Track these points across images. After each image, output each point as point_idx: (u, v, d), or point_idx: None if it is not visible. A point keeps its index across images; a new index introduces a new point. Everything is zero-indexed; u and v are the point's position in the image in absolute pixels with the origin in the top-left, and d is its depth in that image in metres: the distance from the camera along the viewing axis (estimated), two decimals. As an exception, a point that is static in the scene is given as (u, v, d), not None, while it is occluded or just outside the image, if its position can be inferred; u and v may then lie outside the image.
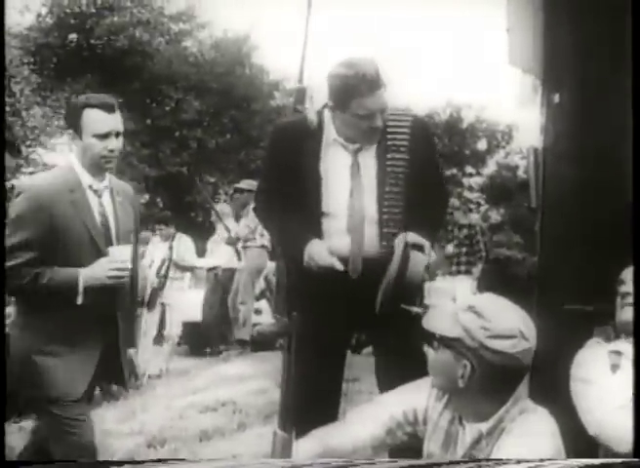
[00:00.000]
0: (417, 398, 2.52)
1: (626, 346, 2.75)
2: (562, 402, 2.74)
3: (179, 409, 3.10)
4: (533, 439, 2.28)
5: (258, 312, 8.74)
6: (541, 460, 2.27)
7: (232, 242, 8.25)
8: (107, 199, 3.19)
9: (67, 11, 14.32)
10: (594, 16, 3.16)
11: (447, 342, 2.35)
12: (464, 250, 8.42)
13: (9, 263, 3.00)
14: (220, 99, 15.52)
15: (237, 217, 8.49)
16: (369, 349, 6.20)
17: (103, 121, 3.06)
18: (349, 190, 3.07)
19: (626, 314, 2.80)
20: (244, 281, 8.34)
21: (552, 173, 3.30)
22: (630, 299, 2.79)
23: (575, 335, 2.95)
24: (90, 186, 3.13)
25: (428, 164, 3.15)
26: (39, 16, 14.62)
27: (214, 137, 14.70)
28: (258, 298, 8.75)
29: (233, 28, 16.58)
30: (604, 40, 3.15)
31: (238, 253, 8.31)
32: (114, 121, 3.09)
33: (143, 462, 2.84)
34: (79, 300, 3.02)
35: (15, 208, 3.06)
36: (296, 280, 3.22)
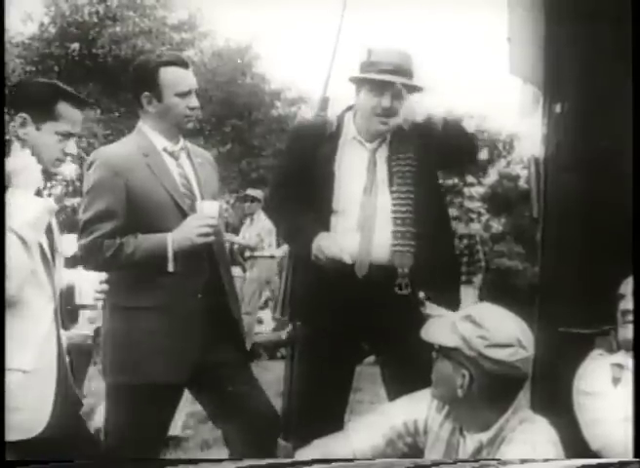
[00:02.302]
0: (417, 409, 2.52)
1: (628, 359, 2.75)
2: (563, 412, 2.74)
3: (179, 419, 3.07)
4: (533, 448, 2.28)
5: (259, 322, 8.72)
6: (545, 460, 2.28)
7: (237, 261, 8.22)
8: (185, 161, 3.00)
9: (70, 20, 14.34)
10: (595, 26, 3.16)
11: (446, 352, 2.36)
12: (465, 260, 8.39)
13: (89, 237, 2.81)
14: (221, 108, 15.52)
15: (240, 225, 8.47)
16: (370, 359, 6.18)
17: (184, 78, 2.91)
18: (363, 187, 3.08)
19: (628, 331, 2.79)
20: (251, 291, 8.26)
21: (554, 183, 3.30)
22: (631, 317, 2.79)
23: (576, 346, 2.95)
24: (164, 149, 2.94)
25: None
26: (42, 25, 14.63)
27: (215, 146, 14.70)
28: (262, 307, 8.73)
29: (235, 38, 16.62)
30: (605, 50, 3.15)
31: (242, 264, 8.26)
32: (191, 77, 2.94)
33: (146, 461, 2.82)
34: (170, 267, 2.80)
35: (89, 179, 2.86)
36: (301, 286, 3.22)
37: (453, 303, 3.15)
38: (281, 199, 3.29)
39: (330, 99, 3.31)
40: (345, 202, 3.09)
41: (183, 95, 2.90)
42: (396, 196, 3.08)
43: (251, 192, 8.59)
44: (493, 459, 2.32)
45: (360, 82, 3.08)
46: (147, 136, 2.95)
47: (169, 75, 2.90)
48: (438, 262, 3.08)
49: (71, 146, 2.57)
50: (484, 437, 2.36)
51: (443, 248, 3.19)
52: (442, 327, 2.39)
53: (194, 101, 2.94)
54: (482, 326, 2.32)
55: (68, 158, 2.58)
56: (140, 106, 2.96)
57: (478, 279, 8.49)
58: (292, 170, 3.21)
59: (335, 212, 3.10)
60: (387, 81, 2.99)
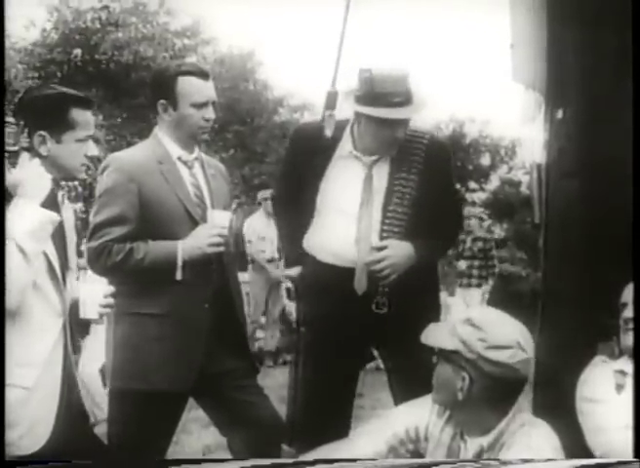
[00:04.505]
0: (418, 415, 2.52)
1: (631, 365, 2.75)
2: (566, 418, 2.74)
3: (182, 424, 3.08)
4: (534, 452, 2.29)
5: (260, 327, 8.68)
6: (547, 460, 2.28)
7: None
8: (199, 171, 3.00)
9: (72, 26, 14.38)
10: (598, 32, 3.16)
11: (446, 355, 2.37)
12: (477, 263, 8.30)
13: (99, 241, 2.81)
14: (224, 115, 15.58)
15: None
16: (372, 365, 6.17)
17: (201, 89, 2.89)
18: (360, 202, 3.07)
19: (630, 338, 2.79)
20: (254, 296, 8.19)
21: (555, 188, 3.30)
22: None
23: (578, 351, 2.95)
24: (179, 158, 2.94)
25: (441, 187, 3.15)
26: (44, 31, 14.68)
27: (218, 152, 14.69)
28: (263, 313, 8.66)
29: (237, 44, 16.68)
30: (607, 56, 3.15)
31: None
32: (210, 89, 2.92)
33: (148, 461, 2.82)
34: (178, 275, 2.82)
35: (102, 183, 2.86)
36: (304, 293, 3.23)
37: (434, 312, 3.17)
38: (280, 202, 3.36)
39: (338, 94, 3.23)
40: (344, 215, 3.08)
41: (199, 105, 2.89)
42: (391, 215, 3.07)
43: (264, 194, 8.43)
44: (494, 459, 2.33)
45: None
46: (163, 143, 2.95)
47: (186, 85, 2.89)
48: (419, 281, 3.09)
49: (92, 148, 2.57)
50: (484, 441, 2.36)
51: (427, 266, 3.19)
52: (442, 330, 2.41)
53: (210, 113, 2.92)
54: (481, 328, 2.33)
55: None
56: (157, 113, 2.96)
57: (488, 284, 8.40)
58: (289, 174, 3.24)
59: (323, 219, 3.13)
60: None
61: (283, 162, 3.38)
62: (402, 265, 3.02)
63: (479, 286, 8.34)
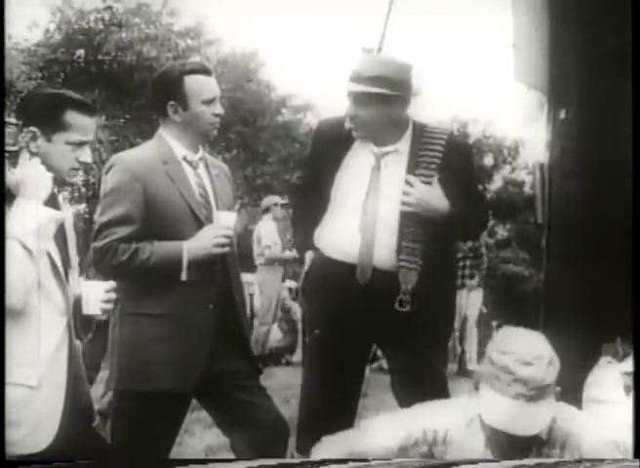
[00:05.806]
0: (441, 418, 2.47)
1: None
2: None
3: (185, 424, 3.08)
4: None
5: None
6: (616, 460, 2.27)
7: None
8: (203, 171, 2.99)
9: (75, 27, 14.37)
10: (599, 33, 3.17)
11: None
12: (468, 263, 8.30)
13: (104, 241, 2.80)
14: (226, 115, 15.58)
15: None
16: (376, 365, 6.18)
17: (207, 85, 2.91)
18: (366, 191, 3.07)
19: None
20: (266, 297, 8.16)
21: (558, 189, 3.30)
22: None
23: (581, 351, 2.95)
24: (184, 158, 2.93)
25: (464, 185, 3.11)
26: (47, 32, 14.66)
27: (220, 153, 14.68)
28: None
29: (240, 45, 16.68)
30: (609, 57, 3.16)
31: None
32: (215, 84, 2.94)
33: (155, 460, 2.82)
34: (183, 276, 2.81)
35: (107, 182, 2.85)
36: (310, 293, 3.23)
37: (448, 317, 3.17)
38: (300, 196, 3.39)
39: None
40: (349, 204, 3.09)
41: (209, 102, 2.91)
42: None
43: (272, 199, 8.39)
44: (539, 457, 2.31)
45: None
46: (168, 143, 2.94)
47: (193, 83, 2.90)
48: (439, 279, 3.08)
49: (86, 155, 2.55)
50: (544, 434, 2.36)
51: (445, 263, 3.18)
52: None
53: (219, 108, 2.94)
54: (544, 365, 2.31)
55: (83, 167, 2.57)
56: (165, 115, 2.95)
57: (474, 280, 8.38)
58: (312, 164, 3.26)
59: (336, 213, 3.12)
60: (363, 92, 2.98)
61: (305, 157, 3.39)
62: (427, 209, 3.01)
63: (471, 285, 8.32)
